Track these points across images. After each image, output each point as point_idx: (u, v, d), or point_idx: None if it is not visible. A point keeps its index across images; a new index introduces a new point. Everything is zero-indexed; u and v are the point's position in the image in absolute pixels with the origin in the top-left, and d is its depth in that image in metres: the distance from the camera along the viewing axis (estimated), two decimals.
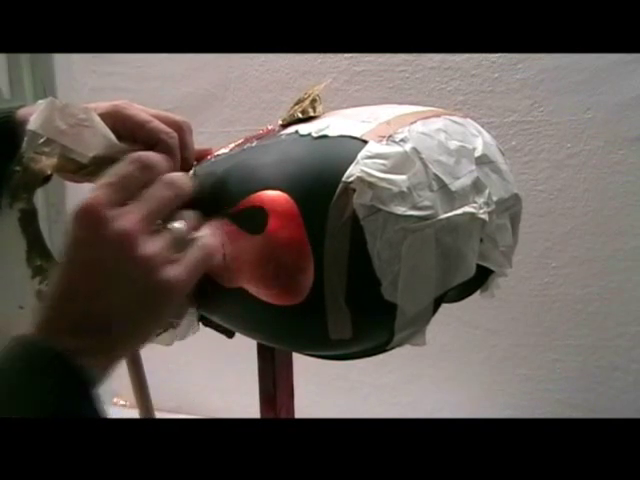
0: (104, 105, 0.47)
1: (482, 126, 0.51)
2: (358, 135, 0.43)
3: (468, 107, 1.13)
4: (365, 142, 0.42)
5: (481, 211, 0.44)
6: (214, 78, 1.31)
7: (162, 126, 0.47)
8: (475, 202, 0.44)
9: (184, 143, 0.48)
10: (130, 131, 0.46)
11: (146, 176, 0.39)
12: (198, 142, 1.42)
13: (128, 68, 1.36)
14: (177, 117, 0.49)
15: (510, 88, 1.11)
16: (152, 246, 0.38)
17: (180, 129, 0.48)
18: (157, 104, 0.50)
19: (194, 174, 0.50)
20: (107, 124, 0.45)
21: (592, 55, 1.05)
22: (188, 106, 1.33)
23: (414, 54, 1.15)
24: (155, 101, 1.38)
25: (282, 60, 1.24)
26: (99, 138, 0.44)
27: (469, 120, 0.50)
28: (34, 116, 0.44)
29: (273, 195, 0.43)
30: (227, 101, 1.31)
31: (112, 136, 0.45)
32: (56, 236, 1.49)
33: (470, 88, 1.13)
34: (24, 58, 1.43)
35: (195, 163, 0.51)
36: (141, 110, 0.47)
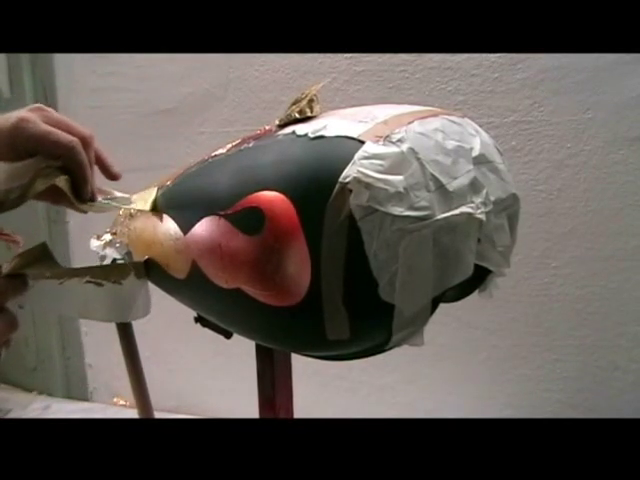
0: (6, 126, 0.48)
1: (482, 126, 0.51)
2: (355, 135, 0.43)
3: (468, 107, 1.13)
4: (362, 142, 0.42)
5: (479, 211, 0.44)
6: (214, 78, 1.31)
7: (62, 138, 0.48)
8: (473, 202, 0.44)
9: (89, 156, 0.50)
10: (33, 147, 0.48)
11: None
12: (198, 142, 1.42)
13: (128, 68, 1.36)
14: (80, 128, 0.50)
15: (510, 88, 1.11)
16: None
17: (83, 140, 0.49)
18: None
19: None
20: (8, 144, 0.47)
21: (592, 55, 1.05)
22: (188, 106, 1.33)
23: (414, 54, 1.15)
24: (155, 101, 1.38)
25: (282, 60, 1.24)
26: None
27: (467, 120, 0.50)
28: None
29: (270, 196, 0.43)
30: (227, 101, 1.31)
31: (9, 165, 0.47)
32: (56, 236, 1.49)
33: (470, 88, 1.13)
34: (24, 58, 1.43)
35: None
36: (40, 123, 0.48)
